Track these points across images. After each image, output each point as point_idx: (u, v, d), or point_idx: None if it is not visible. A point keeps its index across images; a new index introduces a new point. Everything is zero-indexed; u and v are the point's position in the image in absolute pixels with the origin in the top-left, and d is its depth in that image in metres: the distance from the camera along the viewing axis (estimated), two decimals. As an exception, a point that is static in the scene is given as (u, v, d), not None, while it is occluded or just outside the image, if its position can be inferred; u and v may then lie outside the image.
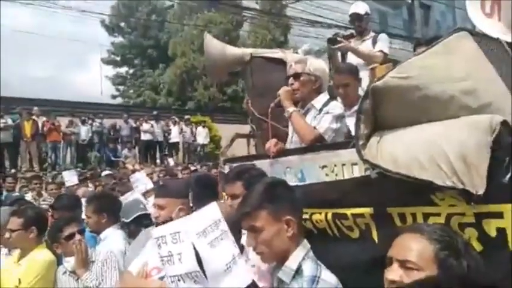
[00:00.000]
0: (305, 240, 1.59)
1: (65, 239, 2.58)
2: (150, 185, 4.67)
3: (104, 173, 8.71)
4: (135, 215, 3.13)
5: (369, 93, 1.51)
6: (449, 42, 1.40)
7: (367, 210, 1.70)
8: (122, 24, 24.60)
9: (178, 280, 1.20)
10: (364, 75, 3.21)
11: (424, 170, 1.36)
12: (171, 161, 11.70)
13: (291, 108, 2.51)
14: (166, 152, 14.79)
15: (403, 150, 1.44)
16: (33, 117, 11.88)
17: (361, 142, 1.57)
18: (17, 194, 6.77)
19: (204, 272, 1.19)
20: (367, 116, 1.56)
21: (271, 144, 2.43)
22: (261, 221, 1.46)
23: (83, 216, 3.26)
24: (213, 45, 3.45)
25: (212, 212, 1.27)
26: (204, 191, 2.66)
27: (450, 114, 1.37)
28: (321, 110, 2.51)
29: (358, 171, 1.79)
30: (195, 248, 1.19)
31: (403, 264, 1.17)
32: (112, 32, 24.79)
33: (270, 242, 1.48)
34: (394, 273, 1.18)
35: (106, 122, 13.78)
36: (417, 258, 1.15)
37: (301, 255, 1.52)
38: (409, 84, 1.39)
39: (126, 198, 3.49)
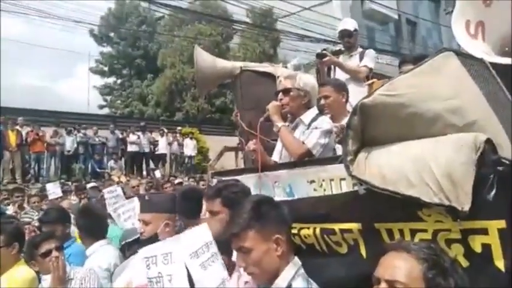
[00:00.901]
0: (296, 258, 1.58)
1: (41, 256, 2.48)
2: (121, 203, 4.49)
3: (89, 185, 8.56)
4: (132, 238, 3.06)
5: (358, 110, 1.54)
6: (435, 62, 1.43)
7: (355, 226, 1.70)
8: (111, 34, 24.55)
9: None
10: (356, 90, 3.26)
11: (411, 187, 1.38)
12: (157, 173, 11.57)
13: (279, 123, 2.53)
14: (153, 165, 14.63)
15: (390, 166, 1.46)
16: (17, 127, 11.68)
17: (349, 158, 1.58)
18: None
19: None
20: (355, 132, 1.58)
21: (250, 144, 2.43)
22: (250, 241, 1.44)
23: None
24: (203, 57, 3.47)
25: (203, 233, 1.26)
26: (189, 205, 2.64)
27: (436, 132, 1.40)
28: (309, 125, 2.54)
29: (346, 187, 1.80)
30: (187, 269, 1.17)
31: (392, 284, 1.16)
32: (101, 42, 24.71)
33: (260, 262, 1.46)
34: None
35: (89, 132, 13.58)
36: (405, 278, 1.15)
37: (291, 273, 1.51)
38: (397, 102, 1.42)
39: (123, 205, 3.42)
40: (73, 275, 2.49)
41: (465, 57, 1.49)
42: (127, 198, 4.55)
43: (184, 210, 2.51)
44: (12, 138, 11.39)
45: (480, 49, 1.65)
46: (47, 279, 2.46)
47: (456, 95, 1.38)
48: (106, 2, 21.87)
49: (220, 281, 1.25)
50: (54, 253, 2.47)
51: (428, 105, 1.39)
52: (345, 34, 4.20)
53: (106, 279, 2.71)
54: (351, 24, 4.24)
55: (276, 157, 2.73)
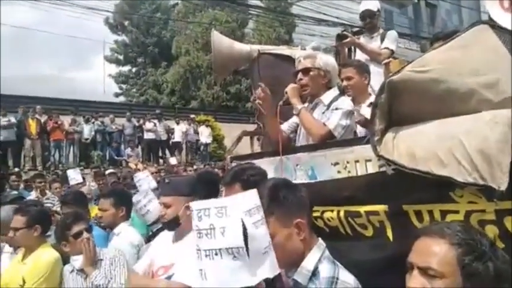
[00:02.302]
0: (320, 240, 1.53)
1: (72, 237, 2.54)
2: (154, 184, 4.67)
3: (107, 172, 8.69)
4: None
5: (385, 88, 1.48)
6: (469, 35, 1.36)
7: (381, 208, 1.66)
8: (126, 22, 24.60)
9: (216, 254, 1.16)
10: (376, 72, 3.17)
11: (443, 166, 1.32)
12: (172, 160, 11.59)
13: (299, 106, 2.47)
14: (168, 153, 14.74)
15: (420, 145, 1.41)
16: (36, 115, 11.90)
17: (376, 138, 1.53)
18: (15, 192, 6.71)
19: (247, 249, 1.15)
20: (382, 111, 1.53)
21: (259, 91, 2.39)
22: (271, 227, 1.36)
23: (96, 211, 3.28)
24: (221, 41, 3.42)
25: (253, 196, 1.25)
26: (207, 188, 2.65)
27: (470, 108, 1.33)
28: (329, 105, 2.47)
29: (372, 168, 1.75)
30: (243, 224, 1.16)
31: (425, 271, 1.11)
32: (115, 30, 24.79)
33: (283, 247, 1.42)
34: (415, 281, 1.12)
35: (106, 120, 13.74)
36: (439, 265, 1.09)
37: (317, 256, 1.46)
38: (428, 78, 1.36)
39: (138, 200, 3.48)
40: (102, 256, 2.56)
41: (500, 30, 1.41)
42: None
43: (202, 193, 2.52)
44: (32, 127, 11.62)
45: (514, 22, 1.56)
46: (78, 260, 2.52)
47: (491, 69, 1.31)
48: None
49: (267, 243, 1.24)
50: (85, 234, 2.54)
51: (462, 80, 1.33)
52: (367, 14, 4.06)
53: (136, 255, 2.79)
54: (373, 4, 4.10)
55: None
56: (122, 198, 3.22)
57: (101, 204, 3.19)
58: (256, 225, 1.20)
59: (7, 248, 3.01)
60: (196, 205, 1.23)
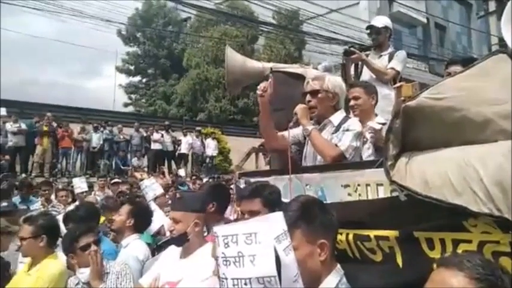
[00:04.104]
0: (338, 266, 1.51)
1: (80, 249, 2.51)
2: (160, 191, 4.68)
3: (112, 181, 8.70)
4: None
5: (400, 113, 1.48)
6: (487, 65, 1.36)
7: (392, 233, 1.64)
8: (138, 34, 25.01)
9: (245, 284, 1.09)
10: (378, 92, 3.14)
11: (458, 195, 1.31)
12: (181, 172, 11.57)
13: (310, 127, 2.48)
14: (174, 164, 14.78)
15: (434, 172, 1.40)
16: (52, 123, 12.03)
17: (389, 162, 1.53)
18: (5, 204, 6.57)
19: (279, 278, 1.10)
20: (396, 136, 1.53)
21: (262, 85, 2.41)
22: (295, 240, 1.36)
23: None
24: (235, 58, 3.46)
25: (280, 221, 1.19)
26: (219, 199, 2.73)
27: (486, 138, 1.33)
28: (338, 126, 2.48)
29: (383, 193, 1.74)
30: (275, 251, 1.10)
31: None
32: (128, 42, 25.19)
33: (303, 264, 1.39)
34: None
35: (114, 130, 13.84)
36: None
37: (335, 281, 1.44)
38: (444, 105, 1.36)
39: None
40: (109, 269, 2.52)
41: (517, 61, 1.41)
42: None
43: (216, 202, 2.63)
44: (45, 134, 11.73)
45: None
46: (84, 273, 2.48)
47: (509, 99, 1.31)
48: (134, 2, 22.26)
49: (297, 270, 1.18)
50: (93, 247, 2.50)
51: (479, 109, 1.32)
52: (373, 31, 4.06)
53: (139, 271, 2.75)
54: (379, 21, 4.06)
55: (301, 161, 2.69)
56: (137, 208, 3.22)
57: (121, 209, 3.22)
58: (286, 252, 1.14)
59: (21, 258, 2.98)
60: (222, 231, 1.16)
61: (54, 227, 2.89)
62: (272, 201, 2.04)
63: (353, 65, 3.92)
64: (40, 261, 2.67)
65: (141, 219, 3.19)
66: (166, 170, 14.25)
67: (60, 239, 2.87)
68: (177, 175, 10.29)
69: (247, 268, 1.10)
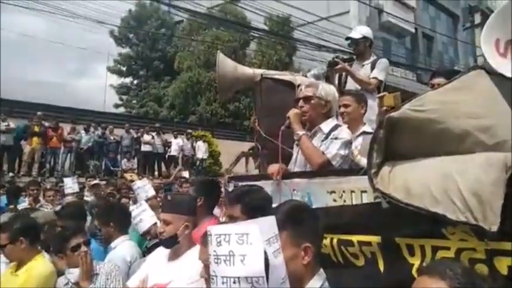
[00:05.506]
0: (321, 270, 1.54)
1: (70, 250, 2.50)
2: (152, 193, 4.68)
3: (92, 183, 8.58)
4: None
5: (384, 123, 1.54)
6: (467, 79, 1.43)
7: (374, 239, 1.70)
8: (131, 35, 24.90)
9: (234, 282, 1.12)
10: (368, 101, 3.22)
11: (437, 203, 1.37)
12: (186, 174, 11.31)
13: (300, 132, 2.53)
14: (164, 166, 14.71)
15: (416, 181, 1.45)
16: (42, 122, 11.89)
17: (373, 170, 1.58)
18: None
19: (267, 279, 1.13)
20: (380, 145, 1.58)
21: (274, 170, 2.43)
22: (280, 241, 1.41)
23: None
24: (225, 63, 3.50)
25: (272, 224, 1.22)
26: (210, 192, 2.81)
27: (465, 150, 1.39)
28: (328, 134, 2.53)
29: (367, 199, 1.79)
30: (265, 253, 1.14)
31: None
32: (120, 43, 25.06)
33: (286, 265, 1.44)
34: None
35: (106, 131, 13.73)
36: None
37: (317, 285, 1.48)
38: (426, 117, 1.42)
39: (131, 210, 3.49)
40: (98, 270, 2.52)
41: (496, 76, 1.48)
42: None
43: (206, 195, 2.70)
44: (35, 133, 11.60)
45: (510, 68, 1.64)
46: (73, 273, 2.48)
47: (487, 113, 1.38)
48: (127, 3, 22.16)
49: (284, 273, 1.22)
50: (83, 248, 2.50)
51: (458, 122, 1.39)
52: (352, 42, 4.11)
53: (125, 273, 2.76)
54: (357, 32, 4.09)
55: (291, 166, 2.73)
56: (111, 214, 3.21)
57: (97, 222, 3.24)
58: (275, 254, 1.18)
59: (3, 258, 2.95)
60: (215, 230, 1.19)
61: (31, 226, 2.85)
62: (252, 208, 2.00)
63: (337, 75, 3.99)
64: (26, 263, 2.65)
65: (118, 219, 3.18)
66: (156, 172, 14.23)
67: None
68: (181, 177, 10.17)
69: (237, 267, 1.13)
